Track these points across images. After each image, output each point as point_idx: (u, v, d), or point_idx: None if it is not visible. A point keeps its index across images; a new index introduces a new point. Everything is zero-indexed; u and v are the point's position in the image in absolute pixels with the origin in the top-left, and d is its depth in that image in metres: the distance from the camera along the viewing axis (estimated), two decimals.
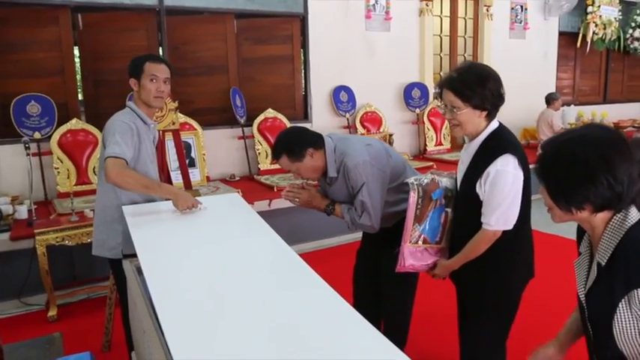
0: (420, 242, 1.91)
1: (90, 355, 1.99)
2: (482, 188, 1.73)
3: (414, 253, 1.90)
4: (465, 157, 1.84)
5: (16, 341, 2.73)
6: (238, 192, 4.03)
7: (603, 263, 1.20)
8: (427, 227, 1.91)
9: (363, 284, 2.43)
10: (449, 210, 1.93)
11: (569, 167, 1.17)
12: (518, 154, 1.71)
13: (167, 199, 2.17)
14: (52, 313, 3.22)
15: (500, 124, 1.81)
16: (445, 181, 1.91)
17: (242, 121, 4.90)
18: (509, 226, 1.72)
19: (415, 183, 1.87)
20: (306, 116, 5.49)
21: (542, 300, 3.18)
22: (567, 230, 4.18)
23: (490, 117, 1.77)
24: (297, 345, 1.12)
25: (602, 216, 1.21)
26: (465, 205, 1.83)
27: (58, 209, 3.60)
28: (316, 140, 2.13)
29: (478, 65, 1.83)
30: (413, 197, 1.85)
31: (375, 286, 2.37)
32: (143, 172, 2.24)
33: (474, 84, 1.71)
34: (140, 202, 2.27)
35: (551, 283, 3.43)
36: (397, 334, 2.33)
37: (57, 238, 3.20)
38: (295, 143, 2.09)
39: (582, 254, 1.34)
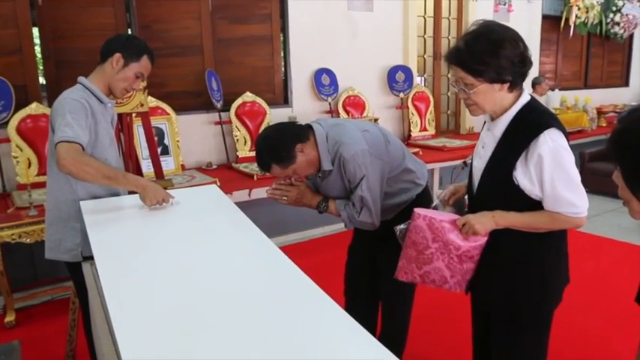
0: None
1: None
2: (528, 173, 1.44)
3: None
4: (488, 139, 1.54)
5: None
6: (216, 181, 3.76)
7: None
8: None
9: (357, 283, 2.20)
10: None
11: None
12: (563, 130, 1.44)
13: (133, 192, 1.89)
14: (10, 318, 2.91)
15: (532, 96, 1.55)
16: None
17: (219, 105, 4.59)
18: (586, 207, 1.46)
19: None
20: (286, 100, 5.21)
21: (581, 309, 2.98)
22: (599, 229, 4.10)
23: (516, 88, 1.48)
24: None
25: None
26: (492, 196, 1.53)
27: (16, 202, 3.27)
28: (299, 132, 1.86)
29: (490, 27, 1.47)
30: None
31: (371, 286, 2.15)
32: (102, 159, 1.94)
33: (486, 54, 1.41)
34: (102, 195, 1.97)
35: (589, 289, 3.25)
36: (396, 336, 2.13)
37: (12, 235, 2.87)
38: (280, 147, 1.80)
39: None
